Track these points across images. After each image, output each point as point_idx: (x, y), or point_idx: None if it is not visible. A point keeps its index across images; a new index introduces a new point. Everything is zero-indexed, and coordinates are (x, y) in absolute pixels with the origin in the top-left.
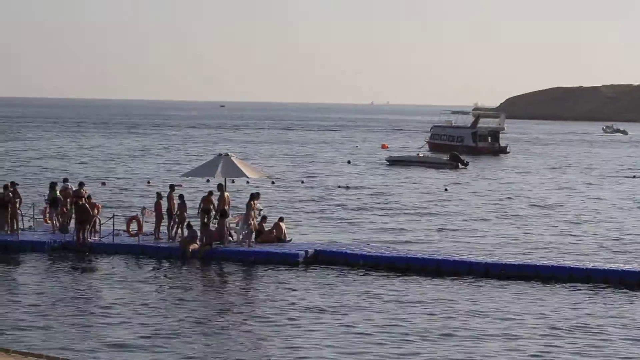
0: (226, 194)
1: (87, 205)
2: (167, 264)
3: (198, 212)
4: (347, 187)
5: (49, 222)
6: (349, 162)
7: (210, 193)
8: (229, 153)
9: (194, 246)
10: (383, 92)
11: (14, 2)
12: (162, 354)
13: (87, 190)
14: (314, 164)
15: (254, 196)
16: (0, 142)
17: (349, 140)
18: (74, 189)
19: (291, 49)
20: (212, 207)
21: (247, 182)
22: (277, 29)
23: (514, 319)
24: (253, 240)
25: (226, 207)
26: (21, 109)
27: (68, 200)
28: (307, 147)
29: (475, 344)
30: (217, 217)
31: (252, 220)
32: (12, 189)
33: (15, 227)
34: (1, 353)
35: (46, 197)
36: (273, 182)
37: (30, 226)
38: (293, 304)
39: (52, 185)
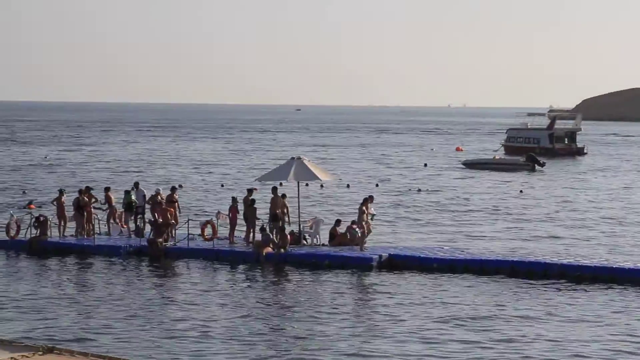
0: (281, 198)
1: (170, 209)
2: (241, 268)
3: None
4: (419, 190)
5: (125, 226)
6: (425, 165)
7: (284, 196)
8: (301, 156)
9: (268, 250)
10: (459, 94)
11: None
12: (241, 359)
13: (176, 195)
14: (389, 167)
15: (367, 199)
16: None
17: (425, 143)
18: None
19: (368, 52)
20: (283, 211)
21: (321, 186)
22: (362, 31)
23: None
24: (366, 244)
25: (279, 212)
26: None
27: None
28: (382, 150)
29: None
30: (269, 221)
31: (364, 223)
32: (87, 194)
33: (91, 232)
34: (66, 354)
35: (103, 202)
36: (348, 186)
37: (106, 231)
38: (367, 308)
39: (129, 190)
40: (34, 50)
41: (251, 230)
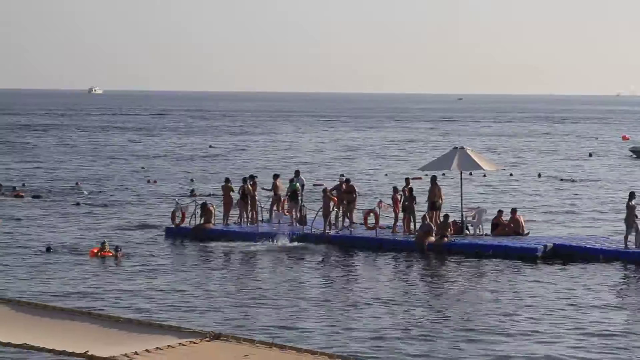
0: (439, 186)
1: (334, 198)
2: (404, 258)
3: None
4: (573, 181)
5: (287, 214)
6: (590, 154)
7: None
8: (464, 146)
9: (430, 239)
10: (631, 82)
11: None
12: (414, 348)
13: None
14: (553, 157)
15: (632, 195)
16: (226, 136)
17: (589, 132)
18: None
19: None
20: (440, 199)
21: (484, 175)
22: (523, 24)
23: None
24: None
25: (438, 200)
26: (253, 104)
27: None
28: (547, 140)
29: None
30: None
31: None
32: (251, 182)
33: (254, 219)
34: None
35: (269, 189)
36: (511, 174)
37: (269, 218)
38: (531, 299)
39: (292, 179)
40: (202, 43)
41: (411, 220)
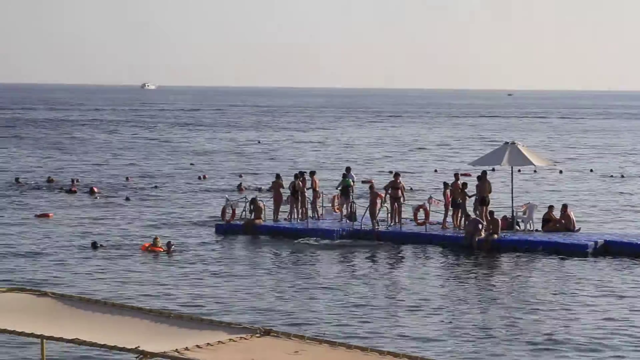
0: (489, 182)
1: (380, 195)
2: (453, 254)
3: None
4: (622, 176)
5: (338, 210)
6: None
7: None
8: (515, 141)
9: (480, 235)
10: None
11: None
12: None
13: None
14: (605, 153)
15: None
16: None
17: None
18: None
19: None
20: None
21: (535, 171)
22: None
23: None
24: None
25: (488, 195)
26: (323, 99)
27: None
28: (601, 135)
29: None
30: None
31: None
32: (301, 178)
33: (304, 215)
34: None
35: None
36: (561, 172)
37: (320, 214)
38: (582, 297)
39: (344, 174)
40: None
41: (460, 215)
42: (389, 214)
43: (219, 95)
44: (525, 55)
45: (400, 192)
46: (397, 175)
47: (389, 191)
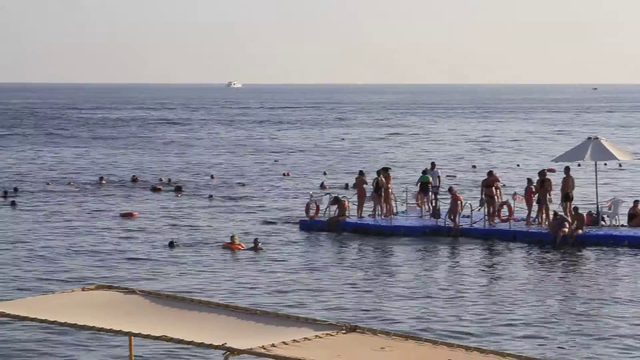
0: (572, 177)
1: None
2: (538, 250)
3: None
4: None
5: (419, 207)
6: None
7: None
8: (598, 136)
9: (564, 230)
10: None
11: None
12: (538, 341)
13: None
14: None
15: None
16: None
17: None
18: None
19: None
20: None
21: (620, 165)
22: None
23: None
24: None
25: (571, 191)
26: (395, 96)
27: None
28: None
29: None
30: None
31: None
32: (385, 175)
33: (388, 212)
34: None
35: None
36: None
37: (404, 211)
38: None
39: (425, 170)
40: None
41: (544, 211)
42: (474, 211)
43: (299, 94)
44: (608, 50)
45: (495, 190)
46: (490, 173)
47: (484, 190)
